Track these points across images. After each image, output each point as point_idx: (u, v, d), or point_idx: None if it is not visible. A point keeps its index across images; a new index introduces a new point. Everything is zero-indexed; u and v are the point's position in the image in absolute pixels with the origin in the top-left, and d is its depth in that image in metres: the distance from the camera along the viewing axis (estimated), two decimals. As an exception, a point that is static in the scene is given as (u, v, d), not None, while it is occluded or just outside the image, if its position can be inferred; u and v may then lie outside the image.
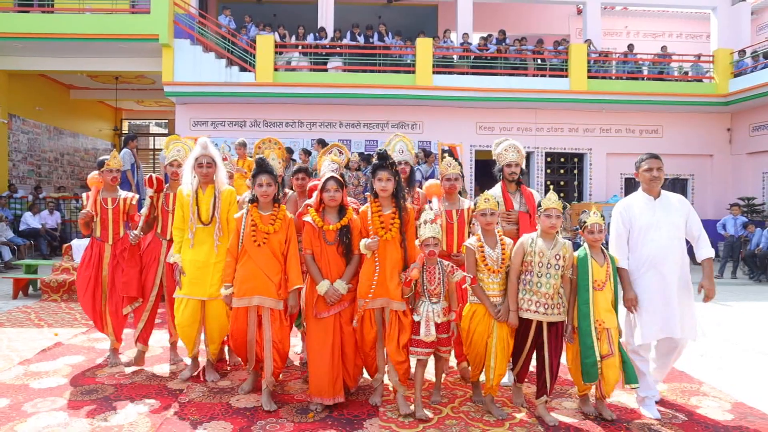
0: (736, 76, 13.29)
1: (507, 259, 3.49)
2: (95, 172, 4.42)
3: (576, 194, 14.16)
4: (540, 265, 3.35)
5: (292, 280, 3.54)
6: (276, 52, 12.65)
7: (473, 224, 3.88)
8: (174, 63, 12.32)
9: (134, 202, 4.46)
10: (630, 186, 14.07)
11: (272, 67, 12.43)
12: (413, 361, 3.55)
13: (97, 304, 4.35)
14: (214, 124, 13.17)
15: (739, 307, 7.43)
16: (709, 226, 11.48)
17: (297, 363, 4.53)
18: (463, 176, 4.15)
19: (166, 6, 12.01)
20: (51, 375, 4.10)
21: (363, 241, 3.50)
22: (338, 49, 13.20)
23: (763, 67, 12.58)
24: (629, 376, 3.43)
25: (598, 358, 3.34)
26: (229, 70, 12.43)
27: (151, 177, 4.28)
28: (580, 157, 14.17)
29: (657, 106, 13.44)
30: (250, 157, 6.98)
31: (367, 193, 3.72)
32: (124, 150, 9.00)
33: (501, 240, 3.53)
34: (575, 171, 14.25)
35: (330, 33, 13.49)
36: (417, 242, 3.52)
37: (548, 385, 3.40)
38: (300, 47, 13.31)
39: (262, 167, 3.59)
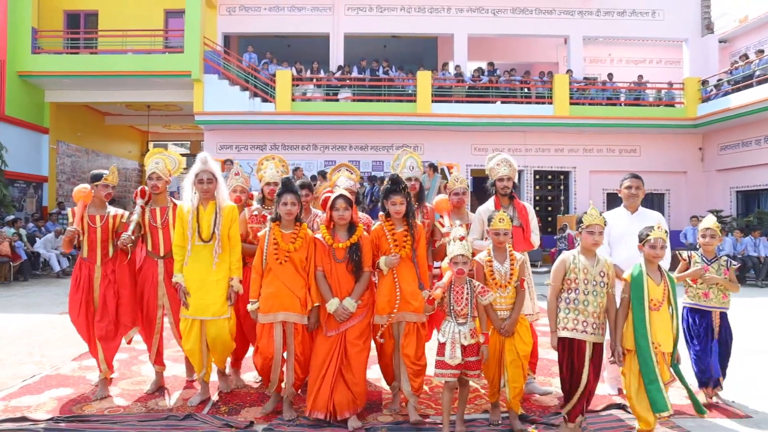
0: (704, 101, 14.82)
1: (515, 274, 3.45)
2: (84, 185, 4.03)
3: (562, 208, 15.66)
4: (586, 282, 3.19)
5: (313, 298, 3.57)
6: (293, 85, 14.35)
7: (485, 237, 3.84)
8: (204, 95, 14.05)
9: (124, 220, 4.10)
10: (611, 200, 15.56)
11: (290, 98, 14.13)
12: (438, 382, 3.50)
13: (92, 327, 4.03)
14: (237, 148, 14.83)
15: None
16: (677, 235, 12.96)
17: None
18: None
19: (197, 46, 13.78)
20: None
21: (383, 259, 3.58)
22: (348, 81, 14.89)
23: (724, 94, 14.11)
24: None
25: (662, 383, 3.06)
26: (252, 101, 14.14)
27: (143, 189, 4.10)
28: (566, 174, 15.70)
29: (634, 128, 14.99)
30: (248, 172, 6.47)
31: (381, 213, 3.79)
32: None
33: (511, 255, 3.49)
34: (561, 187, 15.80)
35: (341, 63, 15.23)
36: (446, 260, 3.46)
37: (585, 405, 3.24)
38: (314, 80, 15.02)
39: (288, 187, 3.60)
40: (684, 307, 4.03)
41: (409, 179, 4.01)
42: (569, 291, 3.23)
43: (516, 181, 4.19)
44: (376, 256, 3.65)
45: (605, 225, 3.25)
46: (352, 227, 3.60)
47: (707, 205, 15.05)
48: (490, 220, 3.53)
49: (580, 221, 3.29)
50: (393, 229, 3.64)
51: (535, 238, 4.13)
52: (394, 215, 3.63)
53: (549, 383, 4.37)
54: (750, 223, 12.48)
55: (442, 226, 4.00)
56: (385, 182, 3.73)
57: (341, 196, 3.58)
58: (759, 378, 4.66)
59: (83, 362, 4.86)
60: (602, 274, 3.20)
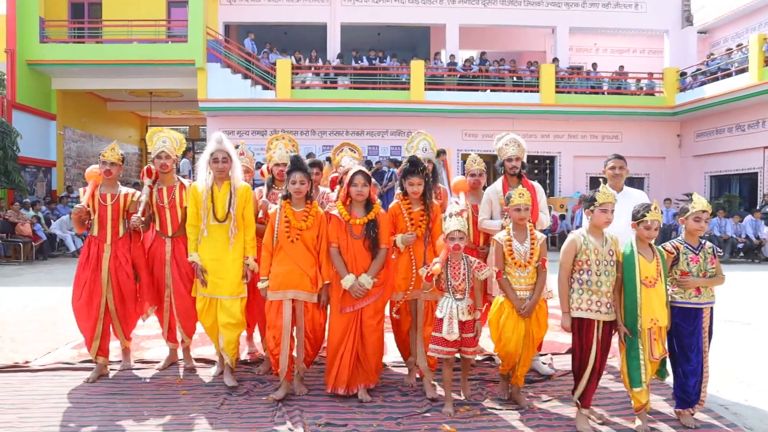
0: (682, 91, 15.67)
1: (536, 253, 3.38)
2: (95, 166, 4.08)
3: (548, 191, 16.54)
4: (597, 263, 3.17)
5: (324, 276, 3.58)
6: (293, 73, 14.99)
7: (506, 218, 3.77)
8: (207, 83, 14.67)
9: (135, 199, 4.05)
10: (594, 184, 16.40)
11: (290, 86, 14.79)
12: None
13: (93, 311, 3.95)
14: (239, 134, 15.46)
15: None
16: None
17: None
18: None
19: (200, 35, 14.36)
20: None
21: (399, 236, 3.61)
22: (345, 70, 15.54)
23: (700, 84, 14.98)
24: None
25: (642, 361, 3.13)
26: (254, 88, 14.79)
27: (149, 168, 4.07)
28: (551, 159, 16.57)
29: (616, 116, 15.85)
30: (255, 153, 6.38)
31: (398, 192, 3.82)
32: (183, 159, 11.34)
33: (531, 234, 3.42)
34: (547, 171, 16.68)
35: (338, 51, 15.91)
36: (440, 237, 3.46)
37: (595, 387, 3.23)
38: (313, 69, 15.67)
39: (296, 165, 3.57)
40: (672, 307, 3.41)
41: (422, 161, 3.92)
42: (581, 272, 3.20)
43: (525, 160, 4.17)
44: (392, 233, 3.71)
45: (616, 203, 3.25)
46: (369, 204, 3.60)
47: (684, 189, 15.93)
48: (509, 198, 3.48)
49: (593, 199, 3.22)
50: (410, 208, 3.71)
51: (545, 218, 4.13)
52: (412, 195, 3.69)
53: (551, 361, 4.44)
54: (720, 206, 13.42)
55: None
56: (404, 163, 3.78)
57: (361, 171, 3.56)
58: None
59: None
60: (611, 252, 3.21)
